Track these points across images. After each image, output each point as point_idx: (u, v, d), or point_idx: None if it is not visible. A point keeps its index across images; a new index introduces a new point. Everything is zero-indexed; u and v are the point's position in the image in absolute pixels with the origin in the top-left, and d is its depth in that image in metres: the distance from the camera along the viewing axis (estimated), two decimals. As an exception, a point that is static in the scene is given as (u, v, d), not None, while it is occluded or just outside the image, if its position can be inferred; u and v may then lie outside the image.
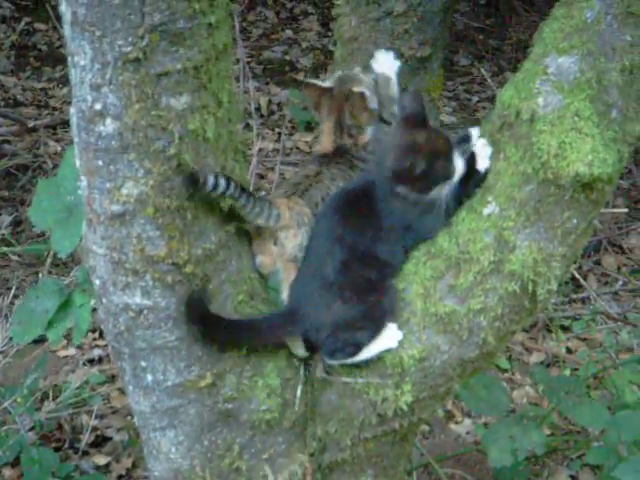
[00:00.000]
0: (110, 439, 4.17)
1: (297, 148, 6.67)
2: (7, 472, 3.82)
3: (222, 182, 2.04)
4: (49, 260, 4.47)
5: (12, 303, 3.52)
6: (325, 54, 8.14)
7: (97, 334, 4.72)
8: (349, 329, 2.21)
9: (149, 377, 2.17)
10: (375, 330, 2.21)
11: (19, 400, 3.54)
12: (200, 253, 2.08)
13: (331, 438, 2.31)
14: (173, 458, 2.25)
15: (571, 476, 3.99)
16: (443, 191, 2.19)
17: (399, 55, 2.52)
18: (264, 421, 2.25)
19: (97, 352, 4.69)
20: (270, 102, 7.35)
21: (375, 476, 2.39)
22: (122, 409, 4.28)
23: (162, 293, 2.08)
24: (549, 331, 4.99)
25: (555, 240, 2.12)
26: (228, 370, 2.19)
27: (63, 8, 1.88)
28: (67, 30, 1.89)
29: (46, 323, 2.68)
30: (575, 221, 2.11)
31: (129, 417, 4.12)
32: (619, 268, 5.60)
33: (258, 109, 7.06)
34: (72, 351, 4.70)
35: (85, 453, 4.06)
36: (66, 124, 5.99)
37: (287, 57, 8.21)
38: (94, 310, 2.55)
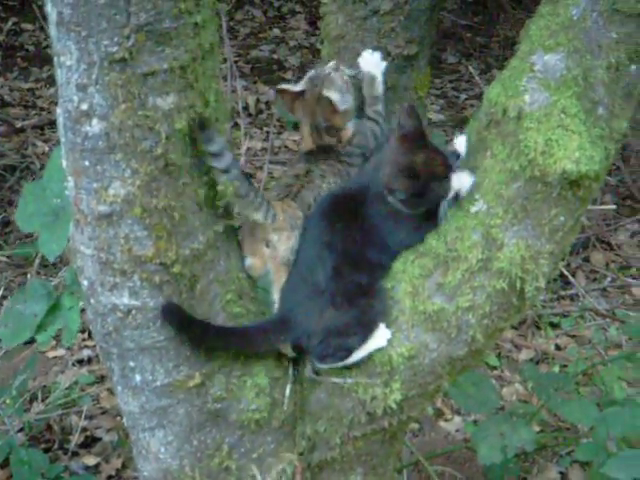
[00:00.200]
0: (99, 440, 4.17)
1: (285, 147, 6.67)
2: (-4, 473, 3.82)
3: (228, 155, 2.04)
4: (37, 261, 4.46)
5: (0, 304, 3.51)
6: (313, 52, 8.14)
7: (86, 335, 4.70)
8: (341, 335, 2.21)
9: (138, 377, 2.16)
10: (367, 334, 2.21)
11: (8, 401, 3.53)
12: (188, 253, 2.08)
13: (320, 437, 2.31)
14: (162, 458, 2.25)
15: (560, 472, 4.00)
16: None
17: (386, 54, 2.52)
18: (253, 421, 2.25)
19: (86, 353, 4.68)
20: (258, 101, 7.35)
21: (365, 474, 2.39)
22: (111, 409, 4.27)
23: (150, 293, 2.07)
24: (538, 328, 5.00)
25: (543, 237, 2.13)
26: (217, 370, 2.19)
27: (49, 8, 1.88)
28: (53, 30, 1.89)
29: (35, 327, 2.68)
30: (562, 218, 2.12)
31: (118, 417, 4.12)
32: (607, 265, 5.61)
33: (246, 108, 7.06)
34: (61, 352, 4.69)
35: (75, 454, 4.05)
36: (54, 124, 5.98)
37: (275, 56, 8.20)
38: (83, 311, 2.54)
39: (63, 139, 2.00)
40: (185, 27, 1.91)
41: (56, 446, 4.07)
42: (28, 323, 2.67)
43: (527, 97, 2.08)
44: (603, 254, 5.67)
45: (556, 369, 4.62)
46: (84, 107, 1.91)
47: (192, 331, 2.13)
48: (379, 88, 2.48)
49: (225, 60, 4.42)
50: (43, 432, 4.14)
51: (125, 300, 2.07)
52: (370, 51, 2.50)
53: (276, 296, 2.30)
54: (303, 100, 2.50)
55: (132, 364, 2.15)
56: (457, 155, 2.23)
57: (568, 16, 2.06)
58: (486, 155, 2.16)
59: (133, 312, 2.09)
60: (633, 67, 2.07)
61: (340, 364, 2.23)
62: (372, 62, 2.48)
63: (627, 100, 2.10)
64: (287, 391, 2.29)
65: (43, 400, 3.85)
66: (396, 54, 2.56)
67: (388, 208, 2.22)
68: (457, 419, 4.37)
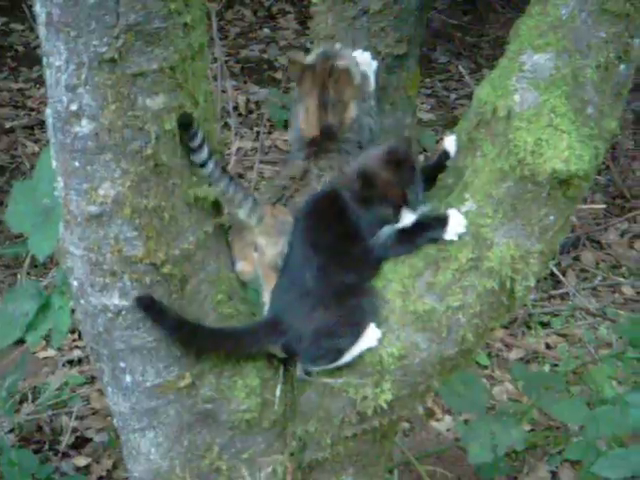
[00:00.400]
0: (90, 440, 4.15)
1: (276, 147, 6.65)
2: (-14, 474, 3.80)
3: (206, 149, 2.05)
4: (27, 261, 4.45)
5: (-10, 304, 3.49)
6: (303, 52, 8.11)
7: (77, 335, 4.69)
8: (331, 336, 2.20)
9: (128, 378, 2.16)
10: (357, 334, 2.20)
11: (-2, 403, 3.52)
12: (178, 253, 2.08)
13: (311, 437, 2.31)
14: (153, 459, 2.24)
15: (551, 471, 3.99)
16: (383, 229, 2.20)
17: (376, 53, 2.53)
18: (244, 421, 2.25)
19: (77, 353, 4.66)
20: (248, 101, 7.33)
21: (356, 474, 2.39)
22: (102, 410, 4.26)
23: (140, 294, 2.07)
24: (528, 327, 5.00)
25: (532, 237, 2.13)
26: (207, 370, 2.19)
27: (38, 8, 1.87)
28: (42, 31, 1.89)
29: (25, 327, 2.67)
30: (552, 218, 2.12)
31: (109, 418, 4.10)
32: (598, 264, 5.61)
33: (236, 108, 7.04)
34: (51, 352, 4.67)
35: (65, 455, 4.03)
36: (44, 125, 5.94)
37: (265, 56, 8.19)
38: (73, 312, 2.54)
39: (53, 140, 2.00)
40: (174, 27, 1.91)
41: (46, 447, 4.05)
42: (18, 323, 2.66)
43: (517, 97, 2.08)
44: (593, 253, 5.67)
45: (546, 368, 4.62)
46: (73, 107, 1.91)
47: (182, 332, 2.13)
48: (372, 85, 2.48)
49: (215, 60, 4.42)
50: (33, 433, 4.11)
51: (115, 301, 2.07)
52: (360, 51, 2.51)
53: (266, 299, 2.30)
54: (313, 72, 2.48)
55: (122, 365, 2.15)
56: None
57: (557, 16, 2.06)
58: (476, 155, 2.16)
59: (123, 313, 2.08)
60: (622, 66, 2.08)
61: (331, 366, 2.23)
62: (364, 62, 2.48)
63: (616, 99, 2.11)
64: (278, 391, 2.29)
65: (33, 401, 3.84)
66: (386, 54, 2.57)
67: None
68: (448, 419, 4.36)
